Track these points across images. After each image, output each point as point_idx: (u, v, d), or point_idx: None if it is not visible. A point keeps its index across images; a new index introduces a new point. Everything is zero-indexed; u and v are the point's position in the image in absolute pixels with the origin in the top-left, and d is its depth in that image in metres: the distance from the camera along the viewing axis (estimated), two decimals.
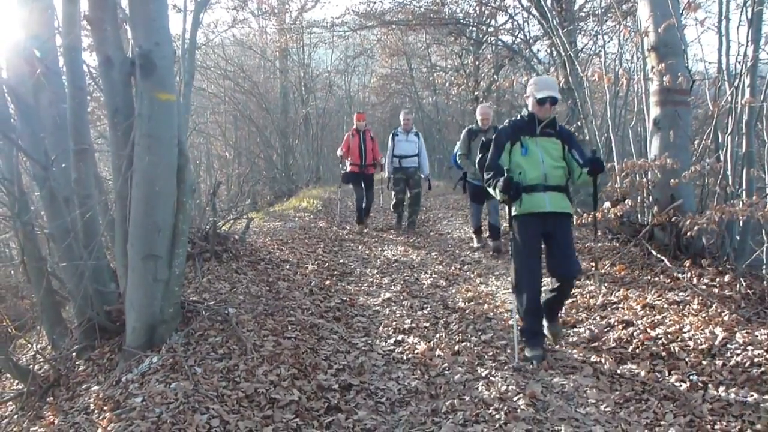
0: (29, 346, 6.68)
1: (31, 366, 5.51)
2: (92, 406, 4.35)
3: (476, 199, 10.20)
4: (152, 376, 4.48)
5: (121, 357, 5.07)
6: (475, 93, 22.10)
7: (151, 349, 4.95)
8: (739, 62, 6.57)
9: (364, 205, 12.63)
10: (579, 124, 10.91)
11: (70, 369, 5.42)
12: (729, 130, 6.46)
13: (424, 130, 30.60)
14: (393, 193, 12.51)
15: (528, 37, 18.53)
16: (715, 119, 6.66)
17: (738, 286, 5.53)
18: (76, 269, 5.46)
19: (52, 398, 5.10)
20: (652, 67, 6.94)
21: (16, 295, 9.87)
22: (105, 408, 4.22)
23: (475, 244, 10.36)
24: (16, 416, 5.21)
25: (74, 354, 5.61)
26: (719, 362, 4.52)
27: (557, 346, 5.48)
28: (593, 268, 7.31)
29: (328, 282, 8.24)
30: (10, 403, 5.56)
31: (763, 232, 6.36)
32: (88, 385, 4.96)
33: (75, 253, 5.49)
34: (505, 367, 5.10)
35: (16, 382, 5.90)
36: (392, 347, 5.84)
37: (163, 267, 5.01)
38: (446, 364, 5.28)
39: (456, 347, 5.61)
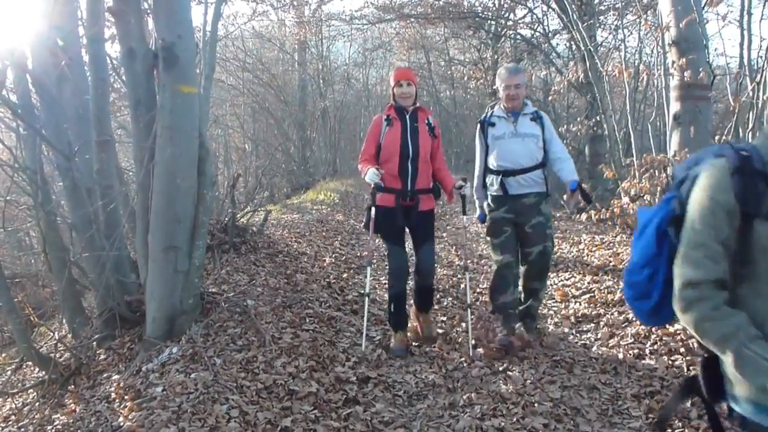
0: (51, 334, 6.75)
1: (52, 354, 5.59)
2: (113, 395, 4.40)
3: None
4: (172, 366, 4.52)
5: (141, 347, 5.11)
6: (493, 87, 21.97)
7: (171, 339, 5.00)
8: (761, 57, 6.52)
9: (411, 285, 5.89)
10: (598, 118, 10.86)
11: (91, 358, 5.47)
12: (750, 125, 6.42)
13: (441, 124, 30.54)
14: (492, 252, 5.67)
15: (547, 31, 18.44)
16: (736, 114, 6.61)
17: None
18: (97, 259, 5.52)
19: (73, 386, 5.16)
20: (673, 62, 6.90)
21: (37, 284, 9.97)
22: (126, 397, 4.27)
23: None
24: (37, 404, 5.28)
25: (95, 343, 5.67)
26: None
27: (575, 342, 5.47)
28: (611, 263, 7.29)
29: (345, 275, 8.27)
30: (32, 390, 5.63)
31: None
32: (109, 374, 5.01)
33: (97, 243, 5.54)
34: (524, 362, 5.10)
35: (38, 369, 5.97)
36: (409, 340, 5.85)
37: (183, 258, 5.05)
38: (464, 358, 5.29)
39: (473, 341, 5.62)
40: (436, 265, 6.03)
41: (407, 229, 5.64)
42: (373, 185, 5.33)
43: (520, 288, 5.67)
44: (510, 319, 5.44)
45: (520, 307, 5.67)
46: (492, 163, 5.48)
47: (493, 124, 5.49)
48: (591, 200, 5.72)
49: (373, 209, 5.46)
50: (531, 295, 5.71)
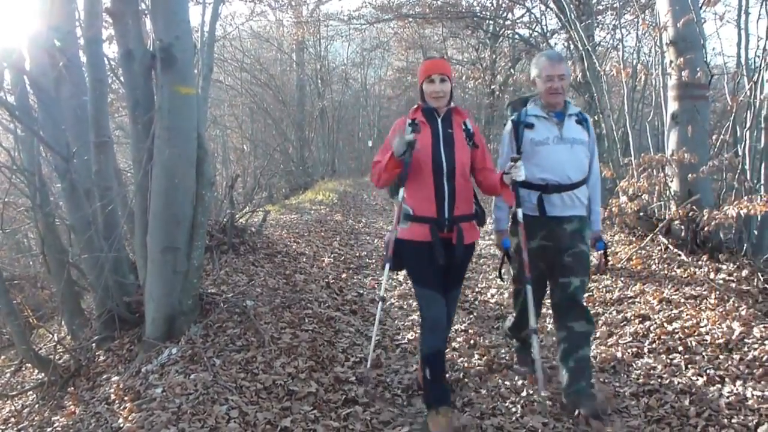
0: (49, 336, 6.75)
1: (51, 356, 5.58)
2: (113, 396, 4.40)
3: None
4: (172, 367, 4.52)
5: (140, 348, 5.12)
6: (492, 87, 22.01)
7: (170, 340, 5.00)
8: (758, 56, 6.53)
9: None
10: (596, 118, 10.86)
11: (91, 359, 5.47)
12: (748, 124, 6.42)
13: None
14: (514, 293, 4.92)
15: (545, 31, 18.42)
16: (734, 114, 6.62)
17: (756, 280, 5.51)
18: (96, 261, 5.52)
19: (72, 388, 5.16)
20: (671, 62, 6.90)
21: (35, 286, 9.95)
22: (125, 398, 4.27)
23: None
24: (37, 406, 5.28)
25: (94, 344, 5.67)
26: (736, 357, 4.51)
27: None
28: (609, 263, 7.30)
29: (344, 275, 8.27)
30: (32, 392, 5.63)
31: None
32: (109, 375, 5.01)
33: (95, 244, 5.55)
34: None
35: (37, 371, 5.97)
36: (409, 340, 5.86)
37: (182, 259, 5.05)
38: (463, 357, 5.30)
39: (472, 340, 5.63)
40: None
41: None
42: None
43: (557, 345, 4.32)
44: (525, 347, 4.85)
45: (568, 380, 4.15)
46: (531, 174, 4.18)
47: (531, 126, 4.30)
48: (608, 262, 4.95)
49: (391, 239, 4.22)
50: (578, 343, 4.16)
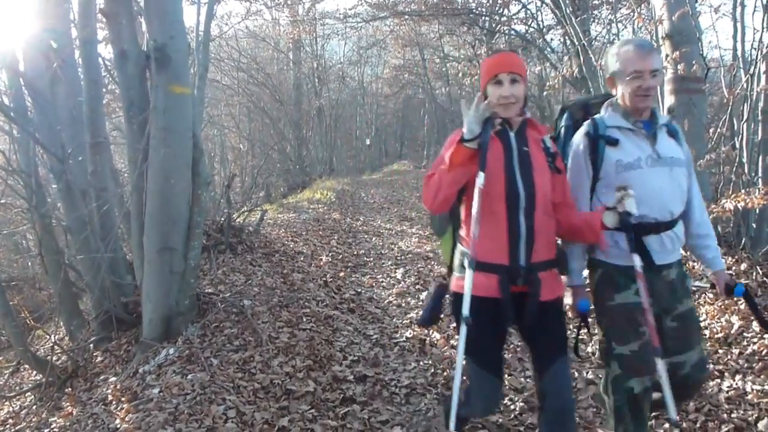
0: (47, 337, 6.74)
1: (49, 357, 5.58)
2: (110, 397, 4.40)
3: None
4: (169, 368, 4.51)
5: (138, 348, 5.11)
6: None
7: (168, 340, 4.99)
8: (755, 48, 6.51)
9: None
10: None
11: (88, 360, 5.47)
12: (744, 117, 6.40)
13: (437, 121, 30.61)
14: (609, 368, 3.14)
15: (541, 27, 18.42)
16: (731, 106, 6.60)
17: (754, 273, 5.50)
18: (93, 261, 5.51)
19: (70, 389, 5.16)
20: (667, 55, 6.88)
21: (33, 287, 9.95)
22: (123, 399, 4.26)
23: None
24: (34, 407, 5.28)
25: (92, 345, 5.67)
26: (735, 351, 4.50)
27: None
28: None
29: (342, 274, 8.26)
30: (29, 393, 5.63)
31: None
32: (106, 376, 5.01)
33: (92, 245, 5.54)
34: (522, 360, 5.10)
35: (35, 373, 5.96)
36: (407, 338, 5.85)
37: (178, 259, 5.04)
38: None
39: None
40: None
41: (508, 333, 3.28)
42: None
43: None
44: None
45: None
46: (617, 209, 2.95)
47: (614, 142, 3.09)
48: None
49: (438, 288, 3.36)
50: None
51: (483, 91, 3.04)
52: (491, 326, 2.94)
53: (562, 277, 3.16)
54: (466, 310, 2.78)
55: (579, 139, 3.18)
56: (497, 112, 2.92)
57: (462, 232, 3.08)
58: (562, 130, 3.40)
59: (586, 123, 3.20)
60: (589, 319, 3.26)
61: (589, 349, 4.99)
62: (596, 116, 3.22)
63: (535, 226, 2.89)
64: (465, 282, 2.85)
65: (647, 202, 3.01)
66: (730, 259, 5.96)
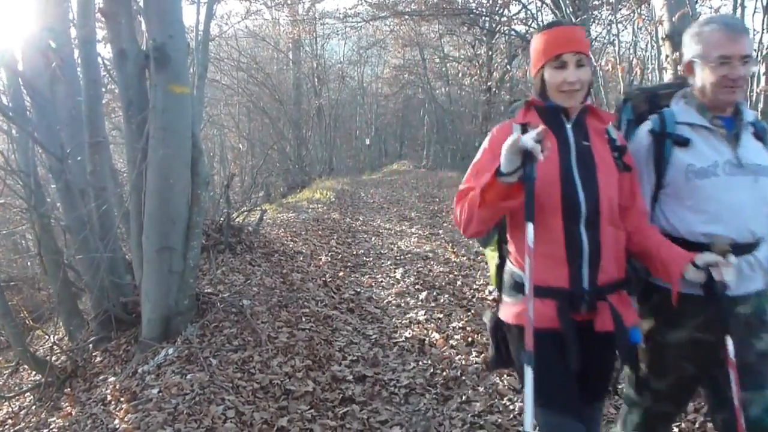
0: (46, 337, 6.74)
1: (48, 357, 5.57)
2: (109, 397, 4.39)
3: None
4: (168, 368, 4.51)
5: (137, 348, 5.11)
6: (488, 83, 22.02)
7: (167, 340, 4.99)
8: (754, 50, 6.51)
9: None
10: None
11: (87, 360, 5.47)
12: None
13: (437, 121, 30.61)
14: (635, 393, 2.75)
15: (541, 27, 18.43)
16: None
17: None
18: (92, 261, 5.51)
19: (69, 389, 5.16)
20: (667, 56, 6.87)
21: (32, 287, 9.95)
22: (122, 399, 4.26)
23: None
24: (34, 407, 5.27)
25: (91, 345, 5.67)
26: None
27: None
28: None
29: (341, 273, 8.26)
30: (28, 394, 5.63)
31: None
32: (105, 376, 5.01)
33: (91, 245, 5.54)
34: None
35: (34, 373, 5.96)
36: (406, 338, 5.85)
37: (177, 259, 5.03)
38: (461, 355, 5.28)
39: (470, 338, 5.61)
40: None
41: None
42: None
43: None
44: None
45: None
46: (683, 226, 2.54)
47: (685, 142, 2.53)
48: None
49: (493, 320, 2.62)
50: None
51: (537, 75, 2.50)
52: (556, 363, 2.31)
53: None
54: (529, 344, 2.19)
55: (641, 136, 2.66)
56: (558, 101, 2.41)
57: (510, 247, 2.52)
58: (624, 126, 2.80)
59: (652, 117, 2.67)
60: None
61: None
62: (665, 109, 2.66)
63: (600, 240, 2.35)
64: (516, 309, 2.41)
65: (722, 218, 2.48)
66: None
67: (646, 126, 2.64)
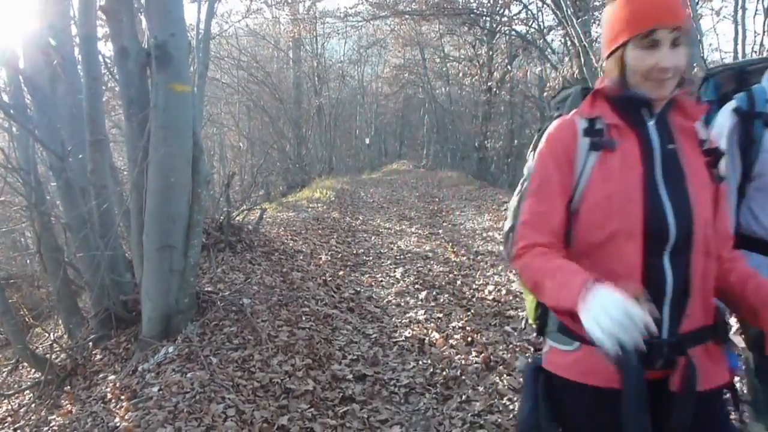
0: (46, 335, 6.73)
1: (48, 355, 5.57)
2: (109, 395, 4.38)
3: None
4: (168, 366, 4.50)
5: (137, 347, 5.10)
6: (489, 83, 22.03)
7: (167, 338, 4.98)
8: (755, 52, 6.53)
9: None
10: None
11: (87, 358, 5.46)
12: None
13: (437, 121, 30.62)
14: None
15: (542, 27, 18.44)
16: None
17: None
18: (92, 259, 5.51)
19: (69, 387, 5.15)
20: None
21: (32, 285, 9.94)
22: (122, 397, 4.25)
23: None
24: (33, 405, 5.27)
25: (91, 343, 5.66)
26: None
27: None
28: None
29: (341, 272, 8.25)
30: (28, 392, 5.62)
31: None
32: (105, 374, 5.00)
33: (91, 243, 5.53)
34: (519, 357, 5.10)
35: (34, 371, 5.96)
36: (406, 337, 5.84)
37: (178, 257, 5.03)
38: (460, 355, 5.28)
39: (470, 338, 5.61)
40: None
41: None
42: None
43: None
44: None
45: None
46: None
47: None
48: None
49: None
50: None
51: (614, 55, 1.85)
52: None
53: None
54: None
55: (725, 117, 2.24)
56: (643, 90, 1.79)
57: None
58: (730, 112, 2.30)
59: (738, 96, 2.26)
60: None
61: None
62: (755, 86, 2.25)
63: (691, 275, 1.74)
64: (571, 359, 1.82)
65: None
66: None
67: (730, 105, 2.25)
